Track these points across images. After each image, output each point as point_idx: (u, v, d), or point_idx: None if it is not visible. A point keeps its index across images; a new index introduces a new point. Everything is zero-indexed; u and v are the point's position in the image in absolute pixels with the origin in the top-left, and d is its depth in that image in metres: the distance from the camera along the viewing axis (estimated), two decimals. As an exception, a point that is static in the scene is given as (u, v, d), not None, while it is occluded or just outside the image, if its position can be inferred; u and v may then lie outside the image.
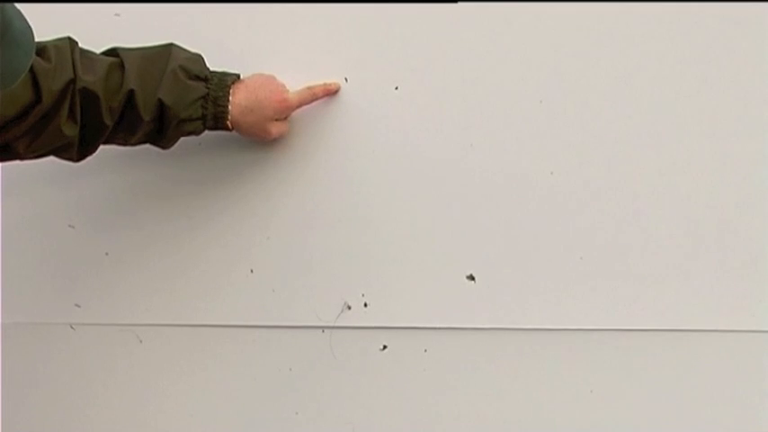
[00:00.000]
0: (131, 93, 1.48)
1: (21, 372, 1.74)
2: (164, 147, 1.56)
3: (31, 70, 1.36)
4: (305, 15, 1.62)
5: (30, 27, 1.14)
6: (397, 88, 1.60)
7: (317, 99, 1.59)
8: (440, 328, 1.60)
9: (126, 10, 1.67)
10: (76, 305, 1.71)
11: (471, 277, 1.58)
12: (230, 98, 1.53)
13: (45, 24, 1.61)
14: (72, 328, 1.71)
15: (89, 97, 1.46)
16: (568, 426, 1.56)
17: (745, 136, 1.48)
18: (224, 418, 1.69)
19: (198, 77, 1.52)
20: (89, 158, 1.55)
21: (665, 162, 1.50)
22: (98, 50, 1.52)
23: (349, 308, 1.63)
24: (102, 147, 1.54)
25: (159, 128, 1.52)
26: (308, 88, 1.58)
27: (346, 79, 1.61)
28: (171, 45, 1.53)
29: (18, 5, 1.14)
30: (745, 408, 1.51)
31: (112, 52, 1.52)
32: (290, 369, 1.66)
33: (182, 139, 1.56)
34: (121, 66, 1.49)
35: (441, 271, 1.59)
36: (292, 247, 1.64)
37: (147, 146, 1.59)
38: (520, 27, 1.55)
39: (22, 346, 1.72)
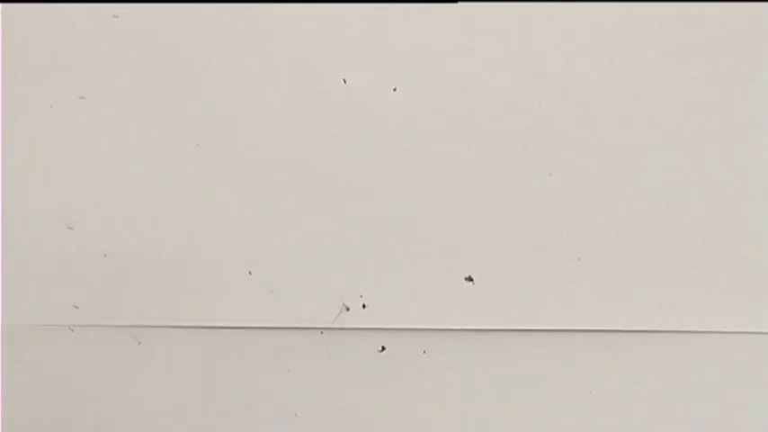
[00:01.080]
0: None
1: (19, 373, 1.74)
2: None
3: None
4: (303, 15, 1.61)
5: None
6: (395, 89, 1.59)
7: None
8: (439, 330, 1.60)
9: (125, 11, 1.66)
10: (75, 306, 1.71)
11: (470, 278, 1.58)
12: None
13: (44, 25, 1.62)
14: (71, 329, 1.71)
15: None
16: (567, 426, 1.55)
17: (745, 136, 1.47)
18: (222, 420, 1.68)
19: None
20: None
21: (665, 162, 1.50)
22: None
23: (347, 309, 1.62)
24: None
25: None
26: None
27: (344, 80, 1.61)
28: None
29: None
30: (746, 410, 1.50)
31: None
32: (289, 371, 1.66)
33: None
34: None
35: (439, 272, 1.59)
36: (290, 248, 1.64)
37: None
38: (519, 27, 1.55)
39: (21, 347, 1.72)
